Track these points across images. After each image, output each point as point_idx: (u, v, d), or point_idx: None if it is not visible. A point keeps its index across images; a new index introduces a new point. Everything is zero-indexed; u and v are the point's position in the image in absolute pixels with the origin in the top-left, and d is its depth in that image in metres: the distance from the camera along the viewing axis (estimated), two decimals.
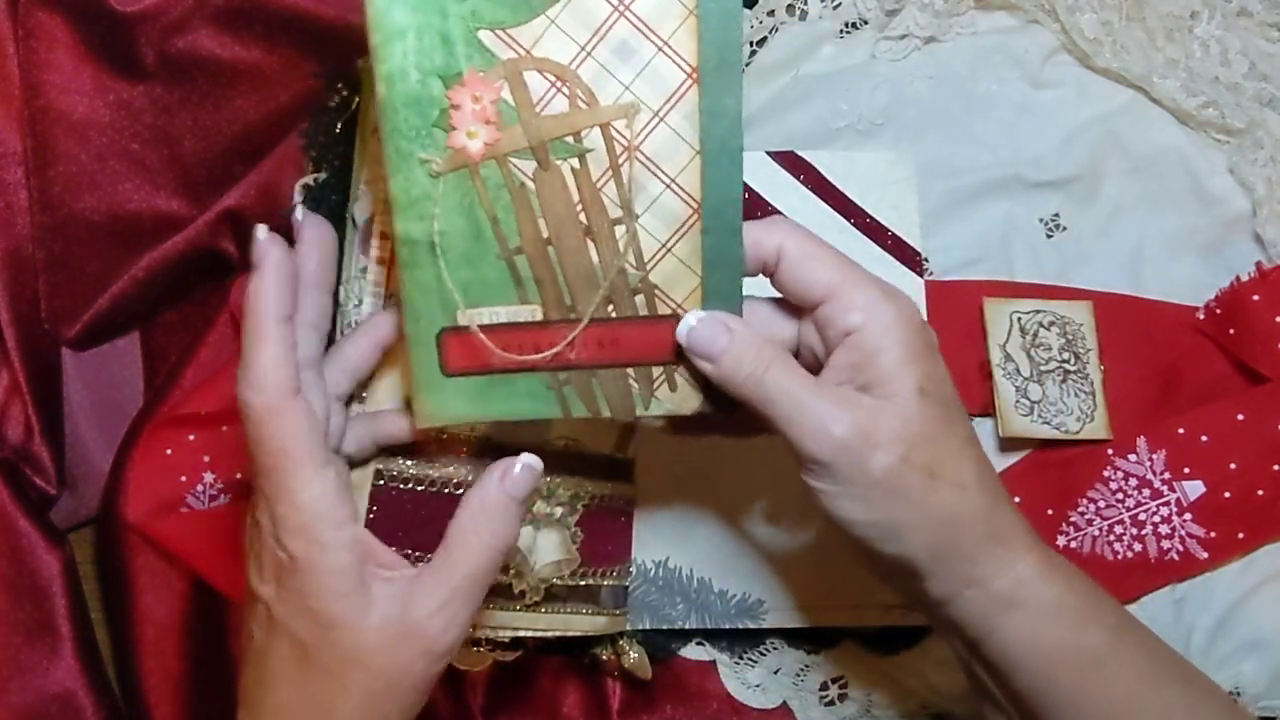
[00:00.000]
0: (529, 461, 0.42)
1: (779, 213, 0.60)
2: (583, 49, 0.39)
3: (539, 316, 0.42)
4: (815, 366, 0.43)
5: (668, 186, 0.40)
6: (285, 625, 0.39)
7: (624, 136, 0.40)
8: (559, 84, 0.39)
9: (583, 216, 0.41)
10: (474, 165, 0.40)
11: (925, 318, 0.59)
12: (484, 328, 0.42)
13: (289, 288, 0.40)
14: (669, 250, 0.41)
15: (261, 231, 0.40)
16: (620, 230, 0.41)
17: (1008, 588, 0.41)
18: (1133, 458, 0.58)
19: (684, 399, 0.44)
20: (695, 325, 0.41)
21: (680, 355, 0.42)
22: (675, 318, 0.42)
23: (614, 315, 0.42)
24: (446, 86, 0.39)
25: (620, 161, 0.40)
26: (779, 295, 0.43)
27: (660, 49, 0.39)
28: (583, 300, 0.42)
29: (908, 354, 0.40)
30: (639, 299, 0.42)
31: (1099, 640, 0.42)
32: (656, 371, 0.43)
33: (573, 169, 0.40)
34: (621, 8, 0.38)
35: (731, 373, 0.41)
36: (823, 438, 0.40)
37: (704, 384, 0.43)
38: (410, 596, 0.40)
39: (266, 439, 0.38)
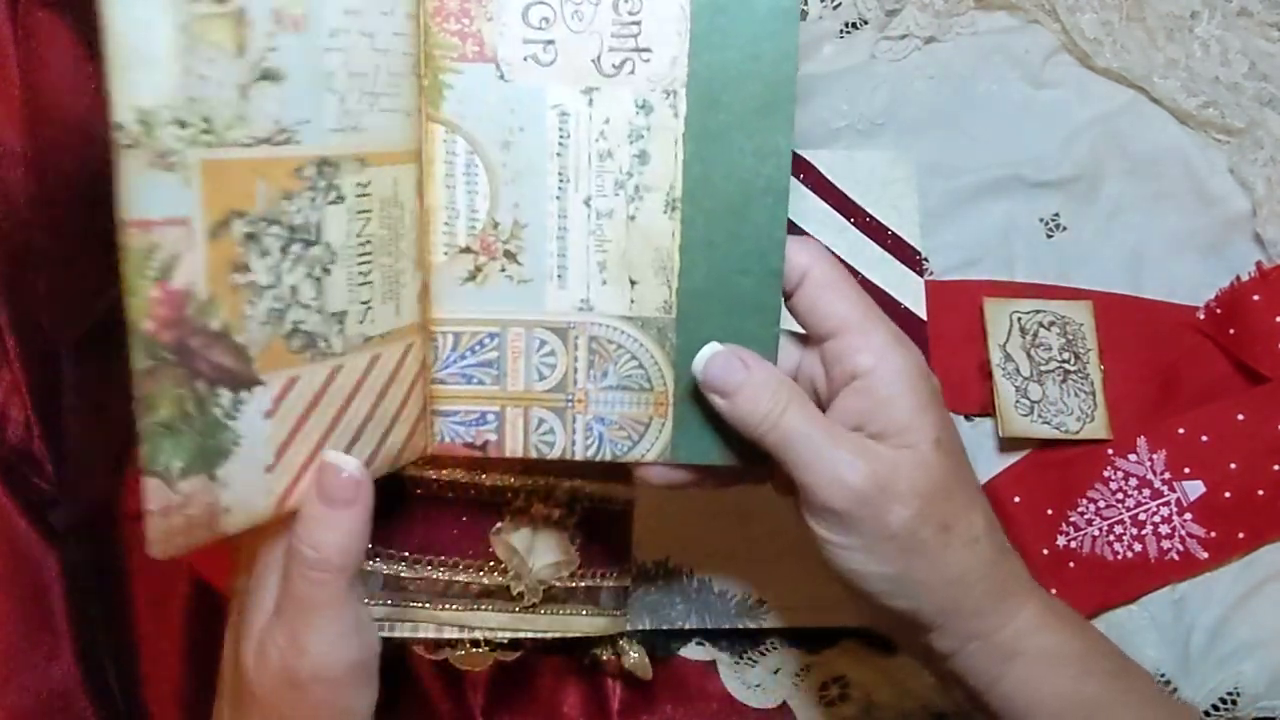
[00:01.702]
0: None
1: None
2: None
3: None
4: (815, 400, 0.42)
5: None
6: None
7: None
8: None
9: None
10: None
11: (926, 318, 0.59)
12: None
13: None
14: None
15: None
16: None
17: (1009, 638, 0.41)
18: (1133, 458, 0.58)
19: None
20: (712, 358, 0.40)
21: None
22: None
23: None
24: None
25: None
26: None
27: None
28: None
29: (920, 403, 0.40)
30: None
31: (1098, 690, 0.41)
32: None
33: None
34: None
35: (748, 412, 0.39)
36: (840, 487, 0.38)
37: (723, 439, 0.42)
38: None
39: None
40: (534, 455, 0.42)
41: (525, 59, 0.39)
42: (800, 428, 0.39)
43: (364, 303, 0.38)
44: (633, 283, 0.41)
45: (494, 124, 0.39)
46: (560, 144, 0.40)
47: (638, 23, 0.39)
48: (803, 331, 0.42)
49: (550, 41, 0.39)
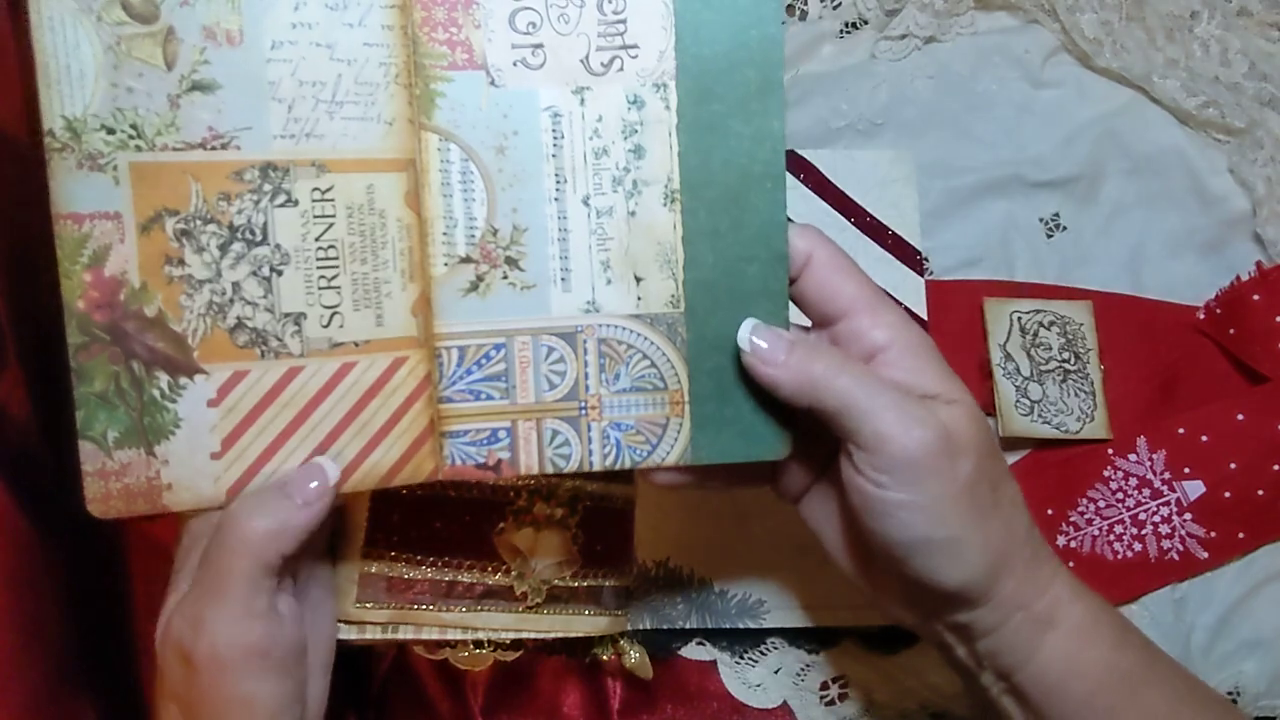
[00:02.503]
0: None
1: None
2: None
3: None
4: None
5: None
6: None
7: None
8: None
9: None
10: None
11: (926, 318, 0.59)
12: None
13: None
14: None
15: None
16: None
17: (1048, 607, 0.40)
18: (1133, 457, 0.58)
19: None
20: (756, 328, 0.40)
21: None
22: None
23: None
24: None
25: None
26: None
27: None
28: None
29: (946, 368, 0.40)
30: None
31: (1134, 661, 0.41)
32: None
33: None
34: None
35: (803, 371, 0.38)
36: (912, 437, 0.37)
37: (744, 433, 0.42)
38: None
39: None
40: (549, 470, 0.41)
41: (515, 64, 0.39)
42: (865, 380, 0.38)
43: (329, 307, 0.39)
44: (638, 279, 0.41)
45: (487, 130, 0.40)
46: (555, 145, 0.40)
47: (623, 20, 0.39)
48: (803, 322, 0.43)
49: (539, 45, 0.39)
